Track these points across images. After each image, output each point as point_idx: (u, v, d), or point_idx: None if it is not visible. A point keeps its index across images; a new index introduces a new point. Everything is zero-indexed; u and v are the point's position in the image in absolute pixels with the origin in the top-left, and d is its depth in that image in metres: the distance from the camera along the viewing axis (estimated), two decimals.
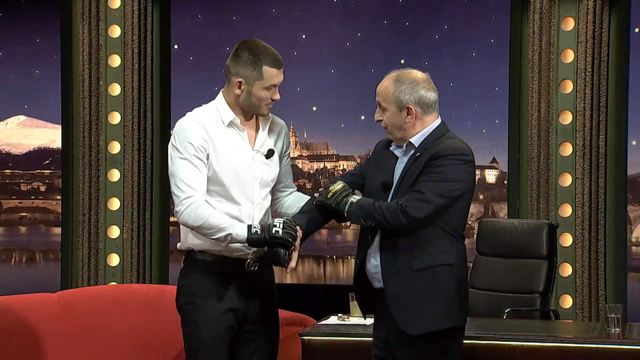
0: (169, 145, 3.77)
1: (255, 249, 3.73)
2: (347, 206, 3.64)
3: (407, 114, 3.66)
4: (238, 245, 3.74)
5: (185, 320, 3.82)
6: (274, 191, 3.94)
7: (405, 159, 3.70)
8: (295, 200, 3.94)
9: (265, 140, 3.86)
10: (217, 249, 3.77)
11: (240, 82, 3.75)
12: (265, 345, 3.87)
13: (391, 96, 3.66)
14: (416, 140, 3.69)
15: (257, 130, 3.85)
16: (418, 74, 3.71)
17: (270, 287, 3.91)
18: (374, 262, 3.68)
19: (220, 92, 3.85)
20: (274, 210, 3.94)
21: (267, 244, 3.64)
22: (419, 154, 3.65)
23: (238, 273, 3.79)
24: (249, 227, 3.66)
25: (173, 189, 3.72)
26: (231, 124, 3.79)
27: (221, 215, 3.69)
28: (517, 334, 4.18)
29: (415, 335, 3.59)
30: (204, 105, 3.86)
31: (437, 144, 3.65)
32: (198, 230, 3.71)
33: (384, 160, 3.77)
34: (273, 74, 3.75)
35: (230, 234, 3.65)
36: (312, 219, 3.76)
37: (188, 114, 3.82)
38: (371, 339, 3.83)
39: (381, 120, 3.72)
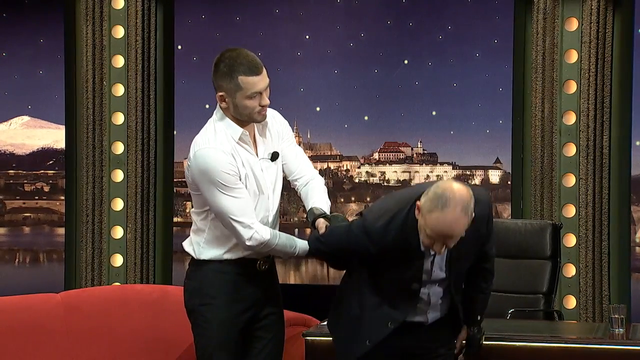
0: (197, 177, 3.66)
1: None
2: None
3: None
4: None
5: (198, 322, 3.81)
6: (290, 181, 3.96)
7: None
8: (306, 195, 3.92)
9: (265, 144, 3.83)
10: (234, 257, 3.79)
11: (222, 95, 3.68)
12: (273, 341, 3.92)
13: (464, 228, 3.55)
14: None
15: (254, 137, 3.79)
16: (468, 196, 3.55)
17: (277, 285, 3.96)
18: (435, 315, 3.79)
19: (215, 112, 3.76)
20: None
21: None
22: None
23: (249, 273, 3.81)
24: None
25: (231, 224, 3.66)
26: (240, 139, 3.72)
27: (282, 238, 3.77)
28: (521, 335, 4.18)
29: None
30: (206, 130, 3.74)
31: None
32: (266, 253, 3.78)
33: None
34: (251, 82, 3.63)
35: (296, 252, 3.81)
36: None
37: (201, 142, 3.68)
38: None
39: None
